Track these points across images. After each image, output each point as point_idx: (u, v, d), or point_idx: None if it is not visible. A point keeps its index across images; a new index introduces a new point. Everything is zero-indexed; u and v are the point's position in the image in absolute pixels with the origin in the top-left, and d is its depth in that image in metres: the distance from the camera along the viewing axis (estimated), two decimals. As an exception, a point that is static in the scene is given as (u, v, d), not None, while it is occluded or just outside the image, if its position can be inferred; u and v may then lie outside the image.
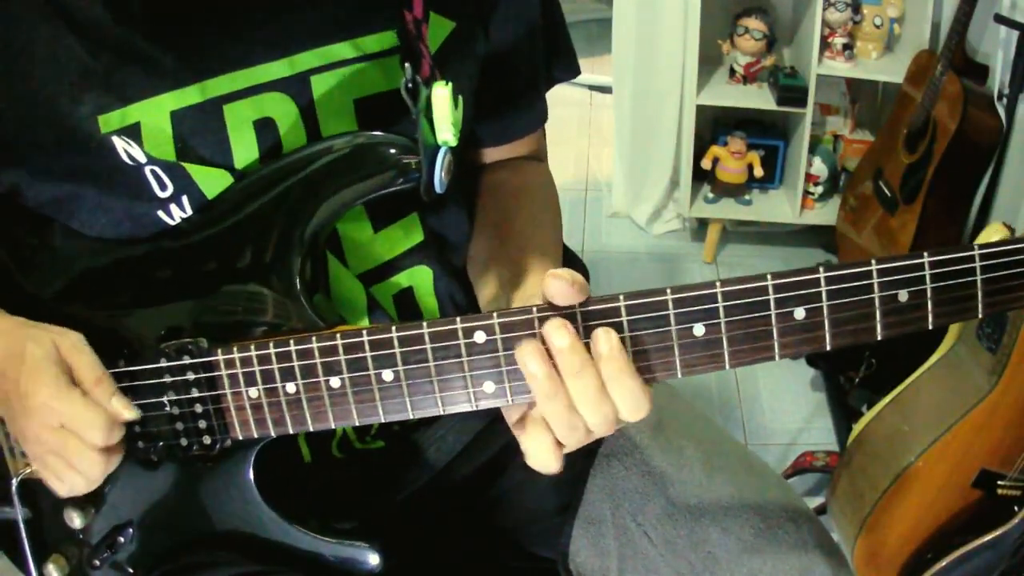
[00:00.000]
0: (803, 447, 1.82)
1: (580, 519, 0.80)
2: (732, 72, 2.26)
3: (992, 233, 1.21)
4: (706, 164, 2.33)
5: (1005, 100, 1.76)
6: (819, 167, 2.29)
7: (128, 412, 0.64)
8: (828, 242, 2.37)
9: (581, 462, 0.81)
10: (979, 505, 1.34)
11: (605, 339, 0.54)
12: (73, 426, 0.63)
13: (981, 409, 1.26)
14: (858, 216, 2.13)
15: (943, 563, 1.33)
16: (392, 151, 0.64)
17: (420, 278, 0.77)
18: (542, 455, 0.58)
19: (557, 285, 0.54)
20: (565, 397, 0.55)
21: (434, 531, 0.84)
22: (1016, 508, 1.30)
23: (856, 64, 2.13)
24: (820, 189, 2.32)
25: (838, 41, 2.08)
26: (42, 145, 0.65)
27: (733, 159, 2.31)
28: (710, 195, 2.39)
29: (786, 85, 2.13)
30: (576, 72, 0.88)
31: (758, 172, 2.32)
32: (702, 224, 2.48)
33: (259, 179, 0.66)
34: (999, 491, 1.32)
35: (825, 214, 2.32)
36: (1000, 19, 1.69)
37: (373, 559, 0.68)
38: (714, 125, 2.38)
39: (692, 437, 0.83)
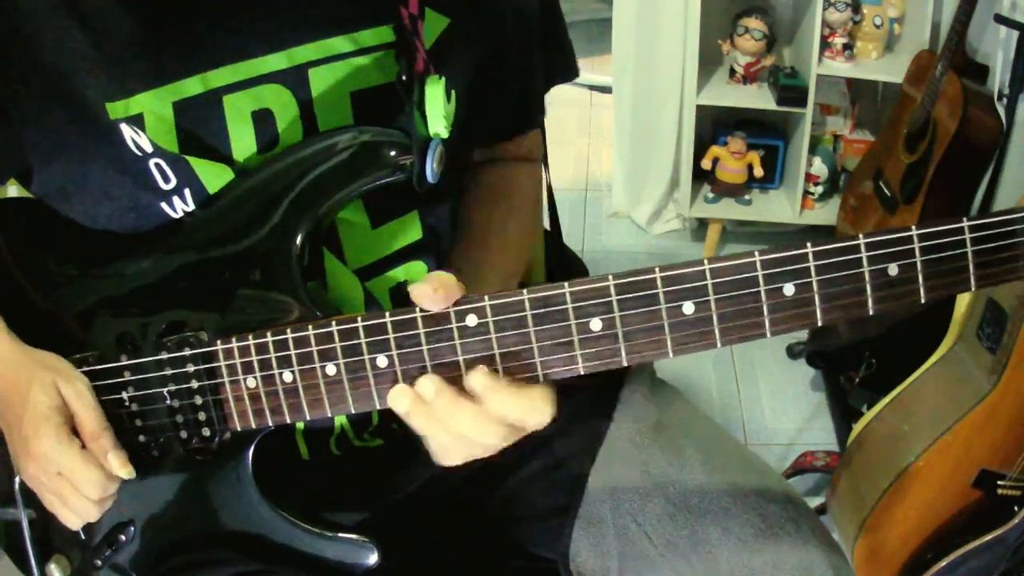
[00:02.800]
0: (803, 447, 1.82)
1: (580, 519, 0.79)
2: (732, 72, 2.26)
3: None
4: (706, 164, 2.32)
5: (1005, 100, 1.76)
6: (819, 167, 2.29)
7: (123, 471, 0.66)
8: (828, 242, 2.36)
9: (581, 462, 0.81)
10: (979, 505, 1.33)
11: (476, 381, 0.57)
12: (70, 478, 0.65)
13: (981, 409, 1.26)
14: (858, 216, 2.13)
15: (943, 563, 1.33)
16: (392, 152, 0.65)
17: (417, 272, 0.77)
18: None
19: (431, 300, 0.57)
20: (446, 430, 0.59)
21: (433, 530, 0.84)
22: (1016, 508, 1.30)
23: (856, 64, 2.12)
24: (820, 189, 2.32)
25: (838, 41, 2.08)
26: (54, 125, 0.66)
27: (733, 159, 2.30)
28: (710, 195, 2.38)
29: (786, 85, 2.13)
30: (575, 74, 0.88)
31: (758, 172, 2.32)
32: (702, 224, 2.48)
33: (260, 176, 0.67)
34: (999, 491, 1.32)
35: (825, 214, 2.32)
36: (1000, 19, 1.69)
37: (372, 557, 0.68)
38: (714, 125, 2.38)
39: (692, 437, 0.83)
